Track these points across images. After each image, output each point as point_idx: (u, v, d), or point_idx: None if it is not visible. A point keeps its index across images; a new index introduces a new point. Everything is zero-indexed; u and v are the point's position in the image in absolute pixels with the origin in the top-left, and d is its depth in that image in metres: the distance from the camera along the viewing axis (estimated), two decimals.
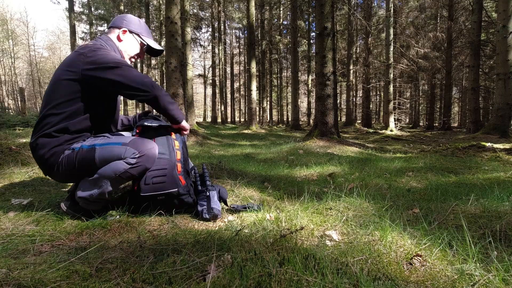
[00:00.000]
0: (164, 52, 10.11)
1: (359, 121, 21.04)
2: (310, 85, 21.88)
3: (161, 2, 18.75)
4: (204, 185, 1.81)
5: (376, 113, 28.69)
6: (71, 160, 1.44)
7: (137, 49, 1.72)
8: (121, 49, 1.67)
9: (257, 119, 20.27)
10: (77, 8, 20.96)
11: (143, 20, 1.82)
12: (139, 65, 23.66)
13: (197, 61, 29.76)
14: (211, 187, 1.77)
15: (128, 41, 1.68)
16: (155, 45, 1.75)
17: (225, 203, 1.82)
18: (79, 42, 22.16)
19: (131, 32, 1.68)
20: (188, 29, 11.92)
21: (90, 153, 1.43)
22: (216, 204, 1.67)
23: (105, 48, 1.54)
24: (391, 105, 13.06)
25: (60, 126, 1.45)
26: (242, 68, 28.66)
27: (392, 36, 12.86)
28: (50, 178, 1.57)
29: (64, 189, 2.14)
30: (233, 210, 1.79)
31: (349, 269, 1.01)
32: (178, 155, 1.64)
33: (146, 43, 1.72)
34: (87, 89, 1.46)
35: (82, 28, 23.91)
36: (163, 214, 1.66)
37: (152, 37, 1.79)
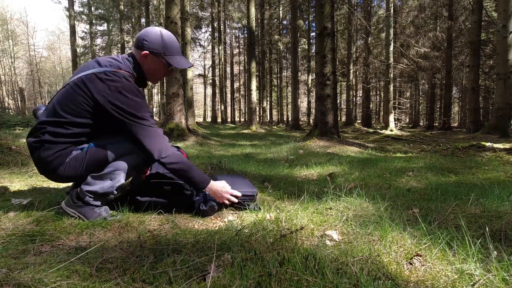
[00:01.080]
0: None
1: (359, 121, 21.03)
2: (310, 85, 21.89)
3: (161, 1, 18.74)
4: None
5: (376, 113, 28.68)
6: (80, 160, 1.47)
7: (161, 71, 1.62)
8: (146, 70, 1.60)
9: (257, 119, 20.27)
10: (77, 7, 20.96)
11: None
12: None
13: (197, 61, 29.76)
14: None
15: (152, 64, 1.58)
16: (179, 64, 1.59)
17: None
18: (79, 41, 22.17)
19: (153, 54, 1.55)
20: (188, 29, 11.91)
21: (102, 152, 1.48)
22: (212, 197, 1.72)
23: (121, 77, 1.46)
24: (391, 105, 13.06)
25: (68, 132, 1.46)
26: (242, 68, 28.66)
27: (392, 35, 12.86)
28: (46, 177, 1.55)
29: (64, 189, 2.14)
30: (233, 208, 1.80)
31: (349, 269, 1.01)
32: None
33: (169, 63, 1.57)
34: (101, 114, 1.45)
35: (82, 27, 23.92)
36: (162, 213, 1.67)
37: (178, 51, 1.61)
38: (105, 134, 1.55)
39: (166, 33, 1.58)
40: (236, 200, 1.69)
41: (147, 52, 1.53)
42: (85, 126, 1.47)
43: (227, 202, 1.66)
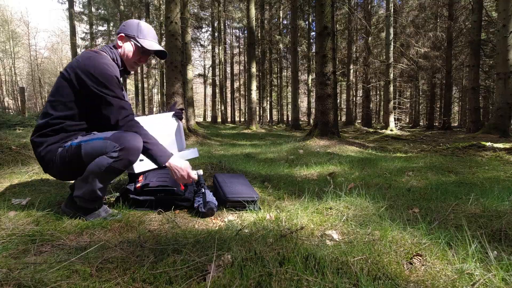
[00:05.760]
0: None
1: (359, 121, 21.00)
2: (310, 85, 21.86)
3: (161, 2, 18.73)
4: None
5: (376, 112, 28.64)
6: (64, 158, 1.47)
7: (134, 53, 1.68)
8: (122, 54, 1.67)
9: (257, 119, 20.26)
10: (77, 8, 20.96)
11: (144, 21, 1.76)
12: None
13: (197, 61, 29.75)
14: (206, 187, 1.88)
15: (125, 46, 1.67)
16: (150, 46, 1.66)
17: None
18: (80, 42, 22.16)
19: (127, 36, 1.66)
20: (188, 29, 11.90)
21: (77, 150, 1.46)
22: (212, 199, 1.73)
23: (101, 55, 1.53)
24: (391, 105, 13.05)
25: (57, 127, 1.49)
26: (242, 68, 28.63)
27: (392, 35, 12.84)
28: (51, 175, 1.59)
29: (64, 189, 2.14)
30: (233, 209, 1.80)
31: (349, 269, 1.01)
32: None
33: (140, 45, 1.65)
34: (83, 92, 1.48)
35: (82, 28, 23.90)
36: (162, 211, 1.67)
37: (153, 38, 1.70)
38: (84, 131, 1.56)
39: (144, 23, 1.72)
40: (192, 180, 1.59)
41: (122, 34, 1.66)
42: (66, 107, 1.49)
43: (183, 181, 1.58)
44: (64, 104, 1.48)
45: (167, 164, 1.51)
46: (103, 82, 1.45)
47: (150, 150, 1.49)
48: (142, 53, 1.70)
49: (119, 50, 1.67)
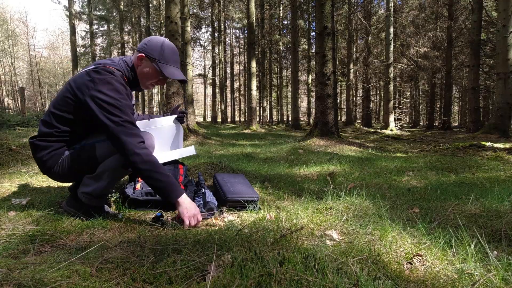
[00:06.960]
0: None
1: (359, 121, 21.01)
2: (310, 85, 21.87)
3: (161, 1, 18.73)
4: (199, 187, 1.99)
5: (376, 112, 28.65)
6: (74, 159, 1.47)
7: (152, 76, 1.60)
8: (138, 73, 1.60)
9: (257, 119, 20.26)
10: (77, 7, 20.96)
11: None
12: None
13: (197, 61, 29.77)
14: (206, 187, 1.92)
15: (145, 67, 1.58)
16: (171, 74, 1.57)
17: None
18: (79, 41, 22.16)
19: (148, 58, 1.55)
20: (188, 29, 11.90)
21: (91, 149, 1.47)
22: (212, 199, 1.73)
23: (116, 77, 1.45)
24: (391, 105, 13.05)
25: (64, 139, 1.49)
26: (242, 68, 28.64)
27: (392, 35, 12.85)
28: (49, 177, 1.57)
29: (64, 189, 2.15)
30: (233, 209, 1.80)
31: (349, 269, 1.01)
32: (181, 178, 1.93)
33: (160, 71, 1.55)
34: (83, 110, 1.43)
35: (82, 27, 23.90)
36: (162, 212, 1.67)
37: (174, 62, 1.61)
38: (93, 133, 1.54)
39: (168, 44, 1.59)
40: (196, 223, 1.47)
41: (143, 55, 1.55)
42: (71, 123, 1.47)
43: (192, 223, 1.44)
44: (73, 121, 1.46)
45: (179, 199, 1.43)
46: (111, 108, 1.38)
47: (163, 181, 1.40)
48: (161, 77, 1.61)
49: (138, 68, 1.59)
